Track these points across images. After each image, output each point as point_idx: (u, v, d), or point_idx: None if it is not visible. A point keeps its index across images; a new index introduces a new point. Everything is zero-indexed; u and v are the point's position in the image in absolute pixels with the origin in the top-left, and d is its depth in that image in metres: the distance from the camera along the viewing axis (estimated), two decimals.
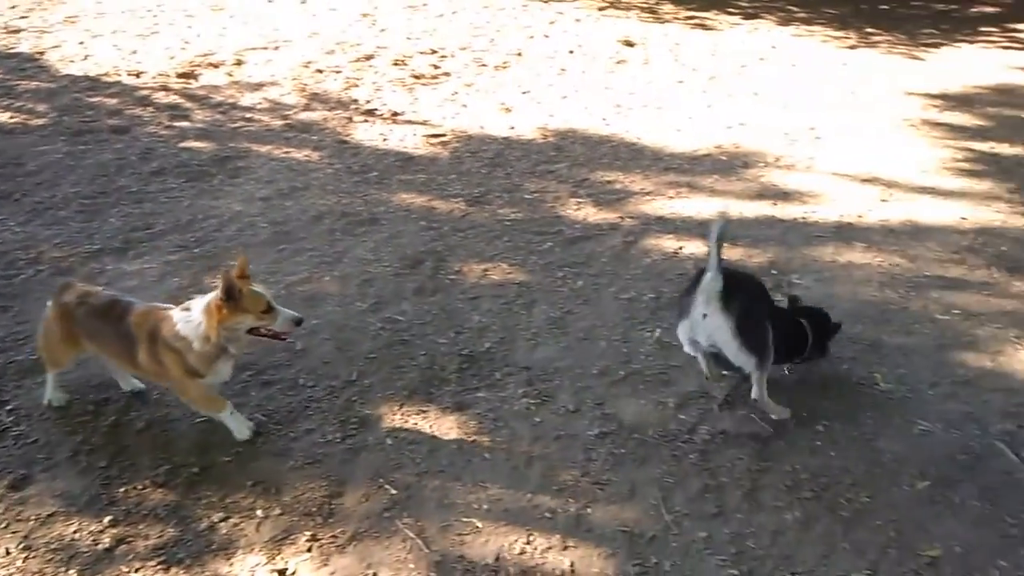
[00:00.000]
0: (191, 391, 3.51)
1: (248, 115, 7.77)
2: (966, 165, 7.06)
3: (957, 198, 6.37)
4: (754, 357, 3.71)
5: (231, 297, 3.26)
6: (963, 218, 6.00)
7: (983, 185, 6.64)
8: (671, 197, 6.36)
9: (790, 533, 3.22)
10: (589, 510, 3.31)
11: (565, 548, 3.12)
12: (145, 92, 8.28)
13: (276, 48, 10.04)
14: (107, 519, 3.18)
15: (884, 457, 3.63)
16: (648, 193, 6.43)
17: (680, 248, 5.51)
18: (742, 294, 3.73)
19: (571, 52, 10.71)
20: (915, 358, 4.33)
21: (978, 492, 3.43)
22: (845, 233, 5.75)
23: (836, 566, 3.07)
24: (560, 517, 3.27)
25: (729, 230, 4.07)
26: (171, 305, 3.56)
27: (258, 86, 8.62)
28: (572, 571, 3.02)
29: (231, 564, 3.00)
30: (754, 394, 3.87)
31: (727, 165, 7.03)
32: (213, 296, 3.31)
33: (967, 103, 8.85)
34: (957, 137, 7.74)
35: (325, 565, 3.00)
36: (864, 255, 5.44)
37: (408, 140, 7.39)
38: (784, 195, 6.38)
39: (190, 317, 3.35)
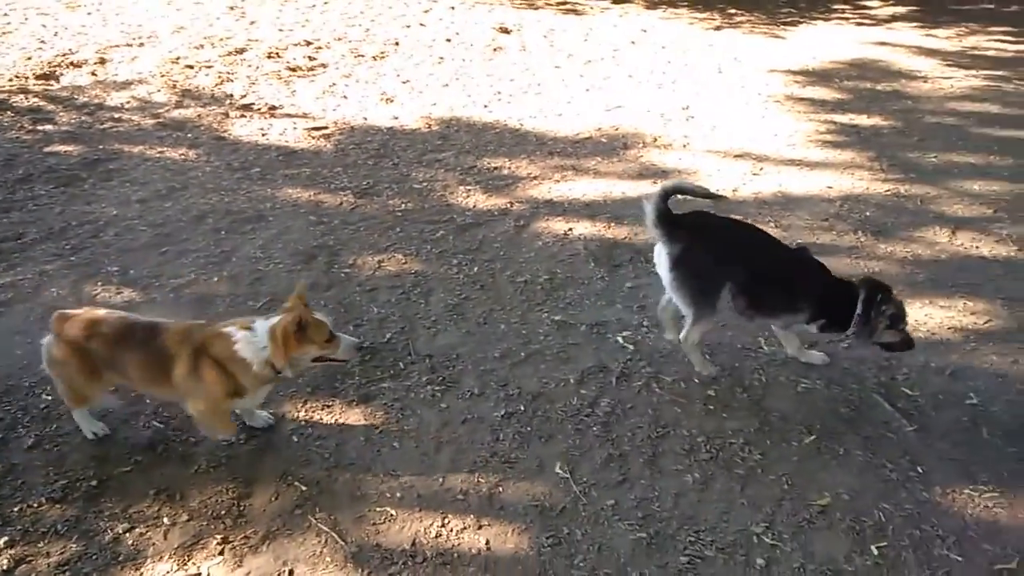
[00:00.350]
0: (216, 409, 3.34)
1: (117, 115, 7.42)
2: (829, 137, 7.51)
3: (823, 168, 6.77)
4: (689, 297, 3.86)
5: (301, 329, 3.21)
6: (829, 187, 6.39)
7: (845, 155, 7.08)
8: (557, 181, 6.49)
9: (691, 494, 3.39)
10: (500, 489, 3.38)
11: (480, 527, 3.19)
12: (1, 96, 7.77)
13: (141, 44, 9.61)
14: (2, 540, 3.03)
15: (772, 416, 3.86)
16: (535, 177, 6.55)
17: (570, 230, 5.65)
18: (697, 232, 3.83)
19: (448, 40, 10.72)
20: None
21: (860, 442, 3.70)
22: (722, 208, 6.01)
23: (736, 521, 3.25)
24: (472, 498, 3.33)
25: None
26: (211, 322, 3.41)
27: (125, 85, 8.24)
28: (488, 549, 3.09)
29: (140, 574, 2.91)
30: (681, 335, 4.03)
31: (608, 147, 7.23)
32: (281, 322, 3.21)
33: (826, 78, 9.38)
34: (819, 111, 8.21)
35: (239, 566, 2.96)
36: None
37: (289, 134, 7.24)
38: (663, 173, 6.62)
39: (254, 339, 3.24)
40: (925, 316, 4.64)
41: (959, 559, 3.09)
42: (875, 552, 3.11)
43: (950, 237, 5.59)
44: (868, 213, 5.94)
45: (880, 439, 3.71)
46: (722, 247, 3.87)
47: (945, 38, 12.09)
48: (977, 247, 5.46)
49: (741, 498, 3.37)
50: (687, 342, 4.04)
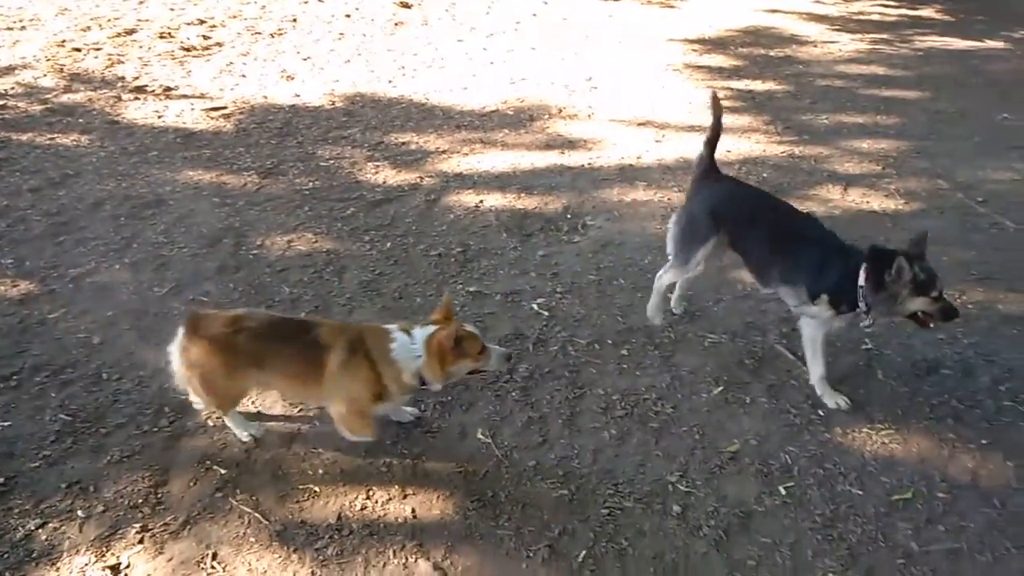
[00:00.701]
0: (362, 410, 3.23)
1: (1, 102, 7.03)
2: (727, 103, 7.70)
3: (722, 133, 6.96)
4: (671, 241, 4.07)
5: (457, 343, 3.11)
6: (729, 151, 6.60)
7: (743, 120, 7.31)
8: (466, 154, 6.50)
9: (608, 450, 3.50)
10: (424, 458, 3.41)
11: (405, 497, 3.22)
12: None
13: (23, 28, 9.10)
14: None
15: (683, 371, 4.00)
16: (444, 151, 6.54)
17: (481, 202, 5.68)
18: (707, 187, 4.01)
19: (348, 16, 10.54)
20: (699, 280, 4.73)
21: (765, 390, 3.88)
22: (627, 174, 6.16)
23: (651, 472, 3.38)
24: (397, 469, 3.35)
25: None
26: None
27: (8, 70, 7.80)
28: (415, 516, 3.13)
29: (57, 569, 2.83)
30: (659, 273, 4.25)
31: (515, 119, 7.27)
32: (438, 335, 3.11)
33: (722, 46, 9.64)
34: (716, 78, 8.44)
35: (161, 553, 2.91)
36: (646, 193, 5.86)
37: (187, 115, 7.01)
38: (570, 144, 6.71)
39: (411, 345, 3.14)
40: None
41: (860, 493, 3.30)
42: (783, 492, 3.28)
43: (842, 194, 5.87)
44: (766, 174, 6.16)
45: (783, 386, 3.90)
46: (720, 205, 3.92)
47: (832, 4, 12.57)
48: (868, 202, 5.75)
49: (656, 450, 3.50)
50: (658, 280, 4.23)
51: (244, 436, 3.44)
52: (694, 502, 3.23)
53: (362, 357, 3.12)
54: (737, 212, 3.88)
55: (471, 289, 4.62)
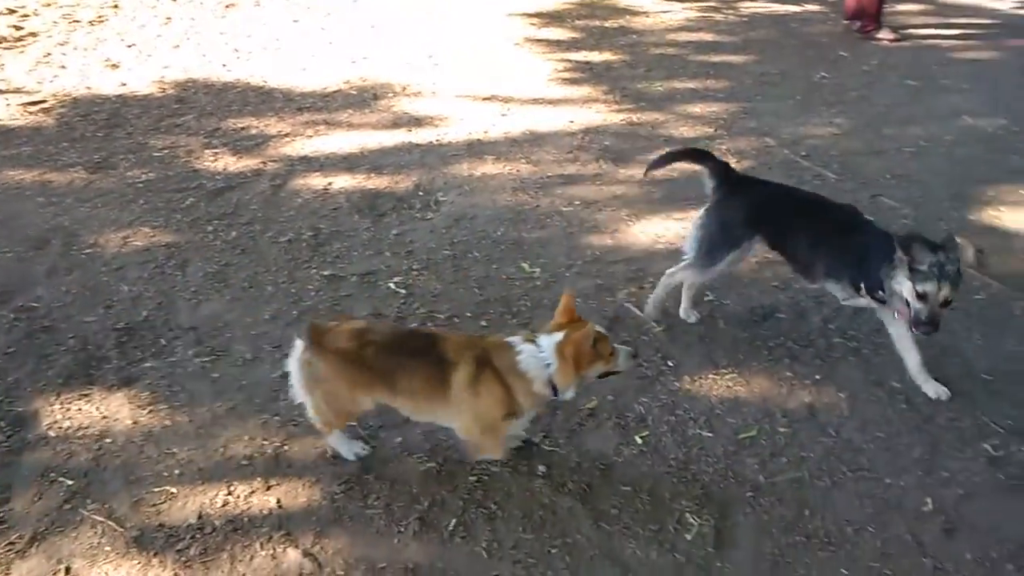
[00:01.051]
0: (494, 427, 3.06)
1: None
2: (567, 75, 7.89)
3: (564, 105, 7.13)
4: (697, 242, 3.96)
5: (593, 347, 2.93)
6: (571, 121, 6.75)
7: (583, 91, 7.49)
8: (310, 136, 6.35)
9: None
10: (287, 447, 3.35)
11: (269, 488, 3.15)
12: None
13: None
14: None
15: None
16: (286, 135, 6.36)
17: (329, 184, 5.57)
18: (738, 187, 3.93)
19: (175, 0, 10.00)
20: (551, 247, 4.89)
21: None
22: (475, 149, 6.20)
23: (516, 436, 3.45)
24: (258, 461, 3.28)
25: None
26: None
27: None
28: (280, 506, 3.07)
29: None
30: (669, 269, 4.15)
31: (358, 99, 7.15)
32: (572, 339, 2.91)
33: (559, 19, 9.79)
34: (555, 50, 8.59)
35: (7, 573, 2.73)
36: (495, 166, 5.93)
37: (1, 111, 6.48)
38: (416, 121, 6.68)
39: (539, 354, 2.94)
40: (664, 229, 5.09)
41: (709, 435, 3.50)
42: (639, 441, 3.44)
43: None
44: (607, 142, 6.36)
45: (635, 342, 4.05)
46: (758, 209, 3.87)
47: None
48: None
49: None
50: (668, 276, 4.13)
51: (351, 455, 3.27)
52: (557, 459, 3.33)
53: (490, 373, 2.96)
54: (777, 214, 3.89)
55: (325, 273, 4.55)
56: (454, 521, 3.03)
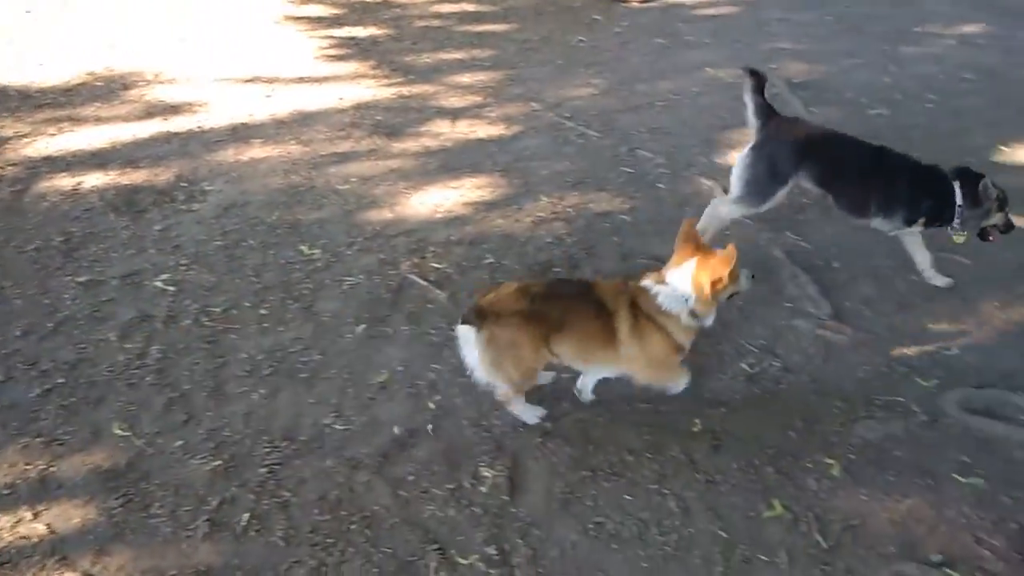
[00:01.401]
0: (668, 363, 3.23)
1: None
2: (332, 51, 7.72)
3: (332, 82, 6.98)
4: (744, 179, 4.07)
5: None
6: (341, 98, 6.62)
7: (350, 66, 7.36)
8: (53, 135, 5.81)
9: (260, 410, 3.45)
10: (53, 469, 3.11)
11: (37, 515, 2.92)
12: None
13: None
14: None
15: (324, 317, 4.03)
16: (25, 135, 5.78)
17: (79, 184, 5.14)
18: (781, 127, 4.04)
19: None
20: (330, 227, 4.80)
21: (405, 319, 4.05)
22: (241, 133, 5.94)
23: (307, 421, 3.41)
24: (21, 488, 3.02)
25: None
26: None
27: None
28: (52, 532, 2.85)
29: None
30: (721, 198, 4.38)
31: (106, 90, 6.62)
32: (713, 263, 3.02)
33: None
34: (318, 27, 8.36)
35: None
36: (263, 149, 5.71)
37: None
38: (173, 109, 6.29)
39: (674, 292, 3.07)
40: (443, 198, 5.14)
41: None
42: (432, 406, 3.49)
43: (451, 126, 6.20)
44: (379, 117, 6.30)
45: (421, 311, 4.09)
46: (804, 146, 3.99)
47: None
48: (474, 131, 6.14)
49: (309, 398, 3.52)
50: (713, 207, 4.24)
51: (534, 419, 3.36)
52: (353, 436, 3.32)
53: (645, 320, 3.10)
54: (822, 152, 4.03)
55: (81, 279, 4.21)
56: (247, 516, 2.94)
